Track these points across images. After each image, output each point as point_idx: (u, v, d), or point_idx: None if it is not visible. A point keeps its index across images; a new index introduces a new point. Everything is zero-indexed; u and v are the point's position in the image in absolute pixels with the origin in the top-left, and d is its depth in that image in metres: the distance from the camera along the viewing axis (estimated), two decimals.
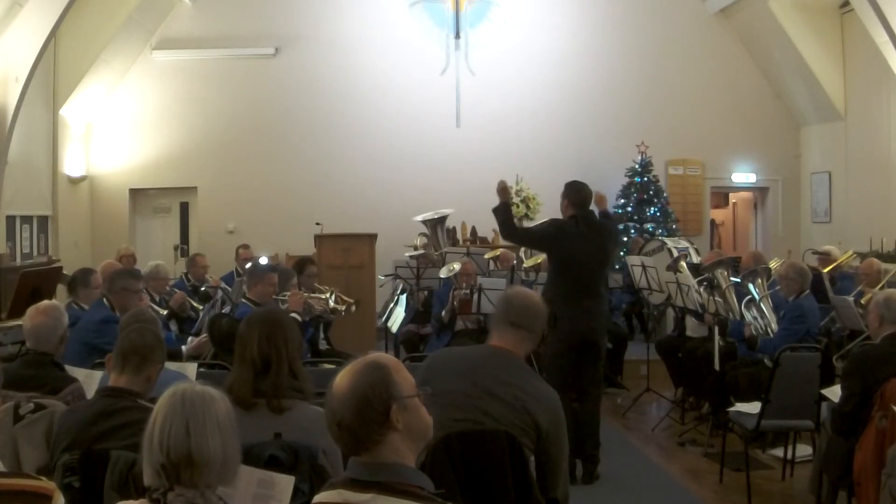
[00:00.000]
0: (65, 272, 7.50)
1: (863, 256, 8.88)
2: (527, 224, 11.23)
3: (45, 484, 1.88)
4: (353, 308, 6.60)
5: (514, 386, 2.97)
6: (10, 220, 10.28)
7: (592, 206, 5.95)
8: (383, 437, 1.93)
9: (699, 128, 12.56)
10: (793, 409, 5.01)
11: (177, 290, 7.04)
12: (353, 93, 12.36)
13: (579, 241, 5.58)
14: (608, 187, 11.90)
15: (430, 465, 2.61)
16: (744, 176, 12.94)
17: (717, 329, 6.16)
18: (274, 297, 5.76)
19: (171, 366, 3.97)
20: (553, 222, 6.04)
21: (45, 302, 3.98)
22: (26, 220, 10.75)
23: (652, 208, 11.66)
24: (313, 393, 2.89)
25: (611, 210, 11.58)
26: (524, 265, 8.91)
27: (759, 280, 6.38)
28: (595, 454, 5.58)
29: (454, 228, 10.95)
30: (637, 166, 11.85)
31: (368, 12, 12.40)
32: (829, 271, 7.59)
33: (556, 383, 5.65)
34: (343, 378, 1.97)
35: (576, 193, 5.73)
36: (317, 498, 1.97)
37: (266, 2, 12.39)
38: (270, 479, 2.48)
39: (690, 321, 7.37)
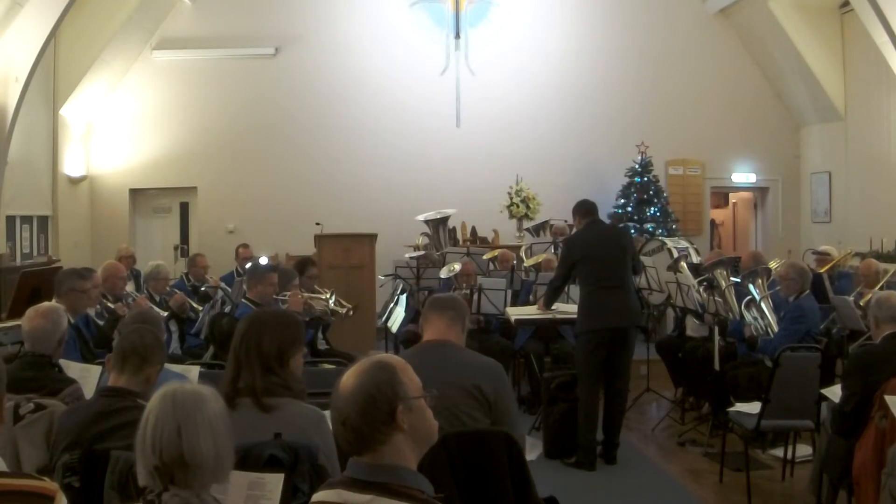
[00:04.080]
0: None
1: (863, 256, 8.89)
2: (526, 224, 11.28)
3: (48, 484, 1.88)
4: (352, 313, 6.60)
5: (454, 368, 3.19)
6: (10, 220, 10.28)
7: None
8: (388, 437, 1.92)
9: (699, 128, 12.56)
10: (793, 409, 5.01)
11: (177, 291, 7.04)
12: (353, 93, 12.36)
13: (594, 241, 6.03)
14: (608, 187, 11.99)
15: (429, 465, 2.61)
16: (744, 176, 12.94)
17: (717, 329, 6.16)
18: (274, 297, 5.76)
19: (173, 367, 3.97)
20: (565, 240, 7.05)
21: (45, 304, 3.97)
22: (26, 220, 10.75)
23: (652, 208, 11.65)
24: (304, 390, 2.87)
25: (611, 210, 11.75)
26: (524, 265, 8.91)
27: (760, 280, 6.39)
28: (616, 441, 6.04)
29: (454, 228, 10.95)
30: (637, 166, 11.84)
31: (368, 12, 12.40)
32: (826, 270, 7.59)
33: (586, 379, 5.85)
34: (349, 377, 1.97)
35: (580, 205, 6.25)
36: (315, 497, 1.97)
37: (266, 2, 12.39)
38: (261, 480, 2.49)
39: (690, 321, 7.37)
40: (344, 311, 6.46)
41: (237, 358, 2.84)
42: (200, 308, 6.79)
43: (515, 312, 7.21)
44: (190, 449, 1.91)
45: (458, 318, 3.36)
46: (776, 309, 6.20)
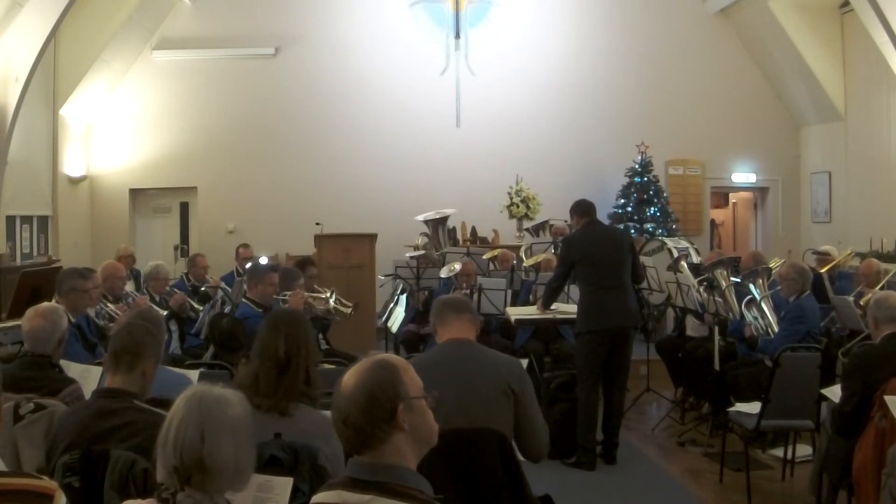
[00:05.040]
0: None
1: (863, 256, 8.88)
2: (526, 224, 11.28)
3: (47, 483, 1.88)
4: (353, 312, 6.59)
5: (483, 364, 3.25)
6: (10, 220, 10.28)
7: None
8: (388, 436, 1.93)
9: (699, 128, 12.57)
10: (793, 409, 5.01)
11: (177, 291, 7.04)
12: (353, 93, 12.36)
13: (594, 240, 6.02)
14: (608, 187, 12.00)
15: (422, 464, 2.62)
16: (744, 176, 12.95)
17: (717, 329, 6.16)
18: (275, 296, 5.76)
19: (173, 370, 3.97)
20: (564, 239, 6.97)
21: (44, 304, 3.96)
22: (26, 220, 10.75)
23: (652, 208, 11.66)
24: (322, 396, 2.88)
25: (611, 210, 11.75)
26: (524, 265, 8.91)
27: (760, 280, 6.39)
28: (616, 441, 6.05)
29: (454, 228, 10.95)
30: (637, 166, 11.85)
31: (368, 12, 12.41)
32: (827, 270, 7.59)
33: (586, 378, 5.89)
34: (351, 376, 1.99)
35: (577, 205, 6.23)
36: (315, 498, 1.97)
37: (266, 2, 12.39)
38: (269, 482, 2.48)
39: (690, 321, 7.37)
40: (348, 310, 6.45)
41: (287, 359, 2.83)
42: (200, 308, 6.79)
43: (515, 312, 7.21)
44: (211, 454, 1.90)
45: (475, 320, 3.41)
46: (776, 309, 6.20)
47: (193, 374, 4.24)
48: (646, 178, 11.79)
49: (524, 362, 3.73)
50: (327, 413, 2.83)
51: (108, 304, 5.71)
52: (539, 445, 3.28)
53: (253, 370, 2.87)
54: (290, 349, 2.84)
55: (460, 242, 10.88)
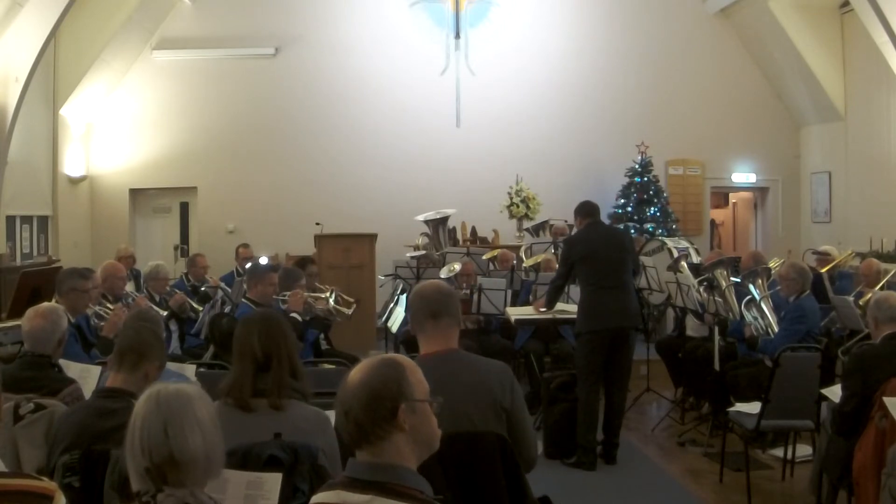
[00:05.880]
0: None
1: (863, 256, 8.88)
2: (526, 224, 11.28)
3: (47, 484, 1.88)
4: (354, 310, 6.58)
5: (470, 382, 2.94)
6: (10, 220, 10.28)
7: None
8: (388, 434, 1.94)
9: (699, 128, 12.57)
10: (793, 409, 5.01)
11: (177, 291, 7.04)
12: (353, 93, 12.36)
13: (596, 241, 6.03)
14: (608, 187, 12.00)
15: (422, 465, 2.61)
16: (744, 176, 12.95)
17: (717, 329, 6.16)
18: (274, 296, 5.76)
19: (170, 366, 3.97)
20: (565, 239, 7.03)
21: (44, 304, 3.96)
22: (26, 220, 10.75)
23: (652, 208, 11.66)
24: (312, 393, 2.90)
25: (611, 210, 11.75)
26: (524, 265, 8.91)
27: (760, 280, 6.39)
28: (616, 441, 6.04)
29: (454, 228, 10.95)
30: (637, 166, 11.85)
31: (368, 12, 12.41)
32: (827, 270, 7.59)
33: (586, 379, 5.88)
34: (358, 371, 2.00)
35: (581, 206, 6.25)
36: (315, 498, 1.97)
37: (266, 2, 12.40)
38: (258, 479, 2.49)
39: (690, 321, 7.37)
40: (350, 311, 6.44)
41: (266, 355, 2.84)
42: (200, 308, 6.79)
43: (515, 312, 7.21)
44: (178, 447, 1.91)
45: (454, 320, 3.06)
46: (776, 309, 6.20)
47: (189, 371, 4.24)
48: (646, 178, 11.79)
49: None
50: (320, 410, 2.86)
51: (108, 305, 5.70)
52: (531, 456, 3.13)
53: (236, 373, 2.88)
54: (266, 346, 2.86)
55: (460, 242, 10.88)
